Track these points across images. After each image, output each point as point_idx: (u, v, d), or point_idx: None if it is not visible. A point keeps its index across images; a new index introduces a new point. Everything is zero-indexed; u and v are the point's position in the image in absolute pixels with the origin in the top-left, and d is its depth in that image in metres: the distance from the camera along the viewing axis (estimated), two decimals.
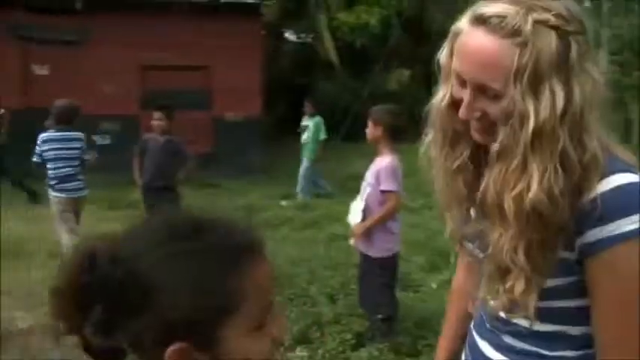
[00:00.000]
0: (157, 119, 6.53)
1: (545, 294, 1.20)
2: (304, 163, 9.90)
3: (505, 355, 1.33)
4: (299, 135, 10.22)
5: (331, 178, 10.66)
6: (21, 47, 11.32)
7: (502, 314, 1.32)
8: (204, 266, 0.84)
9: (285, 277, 5.26)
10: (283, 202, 9.55)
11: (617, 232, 1.11)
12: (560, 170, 1.09)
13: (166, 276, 0.83)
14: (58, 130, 5.90)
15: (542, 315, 1.24)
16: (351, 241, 4.17)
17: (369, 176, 3.84)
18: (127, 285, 0.82)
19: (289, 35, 19.50)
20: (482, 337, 1.41)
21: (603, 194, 1.12)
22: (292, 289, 5.02)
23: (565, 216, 1.12)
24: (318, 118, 9.94)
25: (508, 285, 1.19)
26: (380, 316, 3.90)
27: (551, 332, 1.25)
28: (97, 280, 0.83)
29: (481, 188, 1.21)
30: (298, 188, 9.94)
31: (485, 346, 1.39)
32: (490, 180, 1.17)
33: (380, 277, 3.88)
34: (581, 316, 1.21)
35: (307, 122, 9.96)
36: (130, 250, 0.85)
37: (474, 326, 1.47)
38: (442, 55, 1.25)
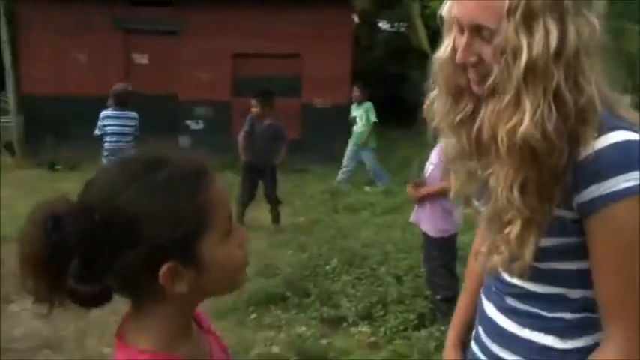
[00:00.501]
0: (254, 106, 6.96)
1: (544, 255, 1.20)
2: (364, 152, 9.81)
3: (507, 317, 1.34)
4: (388, 123, 10.14)
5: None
6: (123, 38, 11.97)
7: (505, 276, 1.33)
8: (172, 192, 0.93)
9: (358, 257, 5.34)
10: (367, 189, 9.58)
11: (615, 189, 1.10)
12: (553, 108, 1.09)
13: (141, 209, 0.91)
14: (115, 109, 7.00)
15: (542, 276, 1.24)
16: (411, 218, 4.17)
17: (433, 156, 3.82)
18: (108, 226, 0.90)
19: (383, 24, 19.40)
20: (488, 299, 1.42)
21: (600, 151, 1.11)
22: (362, 269, 5.09)
23: (562, 160, 1.11)
24: (368, 104, 9.75)
25: (505, 231, 1.19)
26: (438, 297, 3.89)
27: (551, 294, 1.25)
28: (71, 236, 0.91)
29: (476, 126, 1.21)
30: (374, 177, 9.94)
31: (490, 308, 1.40)
32: (485, 116, 1.17)
33: (438, 258, 3.86)
34: (581, 278, 1.20)
35: (356, 112, 9.77)
36: (102, 196, 0.92)
37: (482, 290, 1.48)
38: (444, 9, 1.26)
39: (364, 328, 4.12)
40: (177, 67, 11.87)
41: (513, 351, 1.32)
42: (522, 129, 1.09)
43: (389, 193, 8.94)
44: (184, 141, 11.75)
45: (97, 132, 7.05)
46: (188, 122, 12.21)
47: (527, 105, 1.09)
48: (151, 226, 0.90)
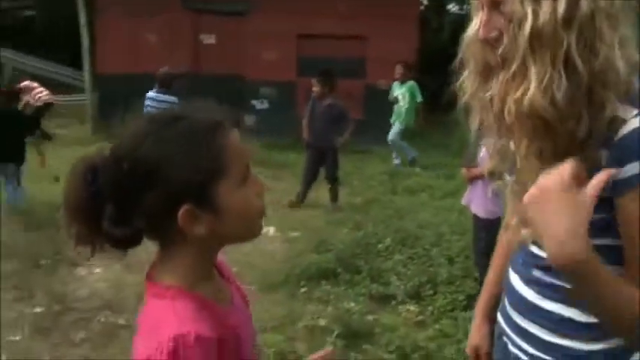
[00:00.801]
0: (314, 86, 7.05)
1: None
2: (395, 128, 9.77)
3: (530, 287, 1.35)
4: (450, 106, 9.98)
5: None
6: (191, 18, 12.20)
7: (533, 248, 1.34)
8: (189, 141, 1.03)
9: (412, 237, 5.36)
10: (417, 169, 9.50)
11: None
12: (563, 76, 1.07)
13: (161, 156, 1.01)
14: (157, 92, 7.32)
15: None
16: (463, 200, 4.16)
17: None
18: (133, 173, 1.02)
19: (452, 6, 19.02)
20: (515, 270, 1.43)
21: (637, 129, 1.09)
22: (415, 249, 5.12)
23: (580, 127, 1.10)
24: (411, 83, 9.61)
25: None
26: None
27: None
28: (105, 185, 1.03)
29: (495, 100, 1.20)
30: (400, 154, 9.91)
31: (516, 280, 1.41)
32: (496, 88, 1.17)
33: (484, 239, 3.84)
34: (609, 255, 1.17)
35: (398, 91, 9.64)
36: (129, 146, 1.04)
37: (510, 264, 1.48)
38: None
39: (412, 306, 4.16)
40: (244, 48, 12.05)
41: (533, 321, 1.33)
42: (528, 98, 1.08)
43: (449, 176, 8.85)
44: (249, 120, 11.94)
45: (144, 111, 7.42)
46: (253, 102, 12.40)
47: (533, 73, 1.08)
48: (170, 171, 1.00)
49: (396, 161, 9.94)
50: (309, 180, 7.29)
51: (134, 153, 1.02)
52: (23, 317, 4.08)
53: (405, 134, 9.94)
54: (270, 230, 6.19)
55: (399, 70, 9.74)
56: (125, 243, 1.06)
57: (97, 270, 4.78)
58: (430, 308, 4.10)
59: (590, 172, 1.07)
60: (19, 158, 6.28)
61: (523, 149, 1.15)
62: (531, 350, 1.34)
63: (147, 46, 11.96)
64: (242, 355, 1.12)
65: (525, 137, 1.14)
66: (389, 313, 4.13)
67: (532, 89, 1.08)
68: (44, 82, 15.26)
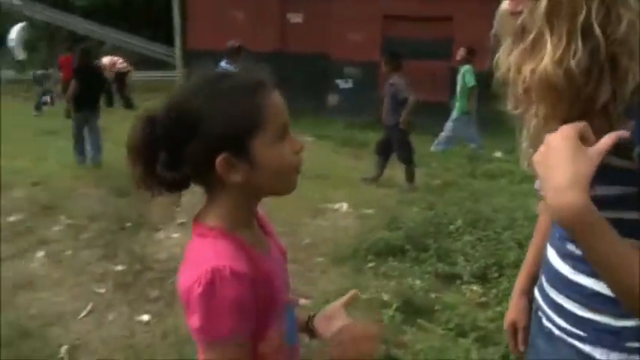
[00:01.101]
0: (383, 66, 7.18)
1: (603, 203, 1.13)
2: (453, 115, 9.58)
3: (567, 263, 1.35)
4: None
5: None
6: None
7: None
8: (230, 96, 1.15)
9: (483, 220, 5.32)
10: (498, 154, 9.32)
11: None
12: (580, 44, 1.06)
13: (204, 108, 1.14)
14: (227, 64, 7.57)
15: None
16: (536, 185, 4.08)
17: None
18: (180, 123, 1.15)
19: None
20: (552, 245, 1.43)
21: None
22: (486, 231, 5.07)
23: (600, 95, 1.09)
24: (466, 67, 9.31)
25: None
26: None
27: None
28: (160, 134, 1.17)
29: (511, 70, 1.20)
30: (442, 143, 9.71)
31: (552, 255, 1.41)
32: (512, 58, 1.18)
33: None
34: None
35: (459, 75, 9.41)
36: (179, 100, 1.18)
37: (548, 240, 1.48)
38: None
39: (476, 287, 4.15)
40: (330, 27, 12.14)
41: (568, 296, 1.33)
42: (541, 67, 1.09)
43: None
44: (333, 99, 12.07)
45: None
46: (338, 81, 12.51)
47: (548, 42, 1.08)
48: (211, 122, 1.13)
49: (438, 147, 9.75)
50: (381, 159, 7.37)
51: (182, 105, 1.16)
52: (107, 273, 4.42)
53: (468, 119, 9.71)
54: (343, 206, 6.30)
55: (461, 52, 9.53)
56: (175, 186, 1.19)
57: (175, 235, 5.06)
58: (494, 290, 4.07)
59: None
60: (96, 111, 8.05)
61: (540, 119, 1.16)
62: (564, 324, 1.33)
63: (235, 23, 12.27)
64: (274, 302, 1.22)
65: (542, 107, 1.15)
66: (452, 292, 4.14)
67: (546, 58, 1.08)
68: (139, 58, 15.99)
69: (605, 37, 1.06)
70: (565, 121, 1.12)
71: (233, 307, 1.09)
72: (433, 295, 4.01)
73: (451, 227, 5.20)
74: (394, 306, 3.65)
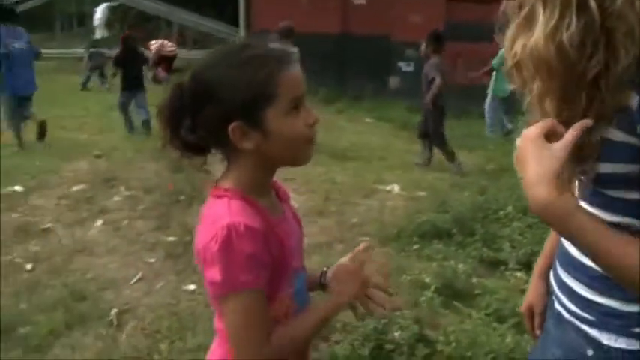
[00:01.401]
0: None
1: (609, 181, 1.16)
2: (488, 99, 9.46)
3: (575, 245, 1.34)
4: None
5: None
6: None
7: (581, 203, 1.35)
8: (247, 67, 1.22)
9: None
10: None
11: None
12: (574, 18, 1.04)
13: (221, 77, 1.22)
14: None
15: (608, 204, 1.19)
16: None
17: None
18: (199, 90, 1.24)
19: None
20: None
21: None
22: (535, 218, 4.94)
23: (591, 68, 1.06)
24: (499, 52, 8.86)
25: None
26: None
27: (617, 223, 1.17)
28: (185, 101, 1.26)
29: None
30: (488, 127, 9.55)
31: (565, 241, 1.43)
32: (507, 35, 1.16)
33: None
34: None
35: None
36: (202, 68, 1.27)
37: None
38: None
39: (520, 274, 4.11)
40: (392, 9, 12.04)
41: (576, 278, 1.32)
42: (532, 41, 1.07)
43: None
44: (394, 82, 12.01)
45: None
46: (400, 64, 12.41)
47: (540, 17, 1.06)
48: (227, 90, 1.21)
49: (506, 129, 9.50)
50: (426, 141, 7.46)
51: (203, 74, 1.25)
52: (159, 243, 4.61)
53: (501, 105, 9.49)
54: (395, 188, 6.32)
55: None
56: (195, 149, 1.29)
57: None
58: None
59: (617, 115, 1.06)
60: (141, 88, 9.03)
61: (535, 95, 1.15)
62: (573, 308, 1.32)
63: (299, 4, 12.32)
64: (285, 263, 1.28)
65: (535, 83, 1.13)
66: (496, 278, 4.11)
67: (538, 33, 1.06)
68: (204, 38, 16.27)
69: (601, 11, 1.03)
70: (560, 98, 1.11)
71: (250, 260, 1.17)
72: (475, 280, 4.00)
73: (500, 213, 5.12)
74: (432, 287, 3.66)
